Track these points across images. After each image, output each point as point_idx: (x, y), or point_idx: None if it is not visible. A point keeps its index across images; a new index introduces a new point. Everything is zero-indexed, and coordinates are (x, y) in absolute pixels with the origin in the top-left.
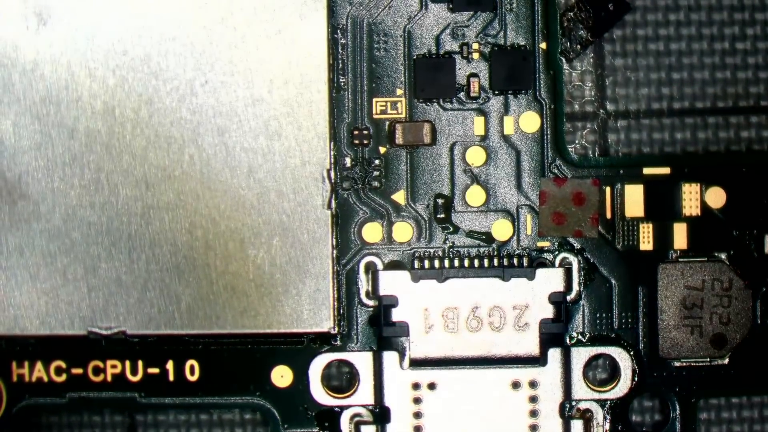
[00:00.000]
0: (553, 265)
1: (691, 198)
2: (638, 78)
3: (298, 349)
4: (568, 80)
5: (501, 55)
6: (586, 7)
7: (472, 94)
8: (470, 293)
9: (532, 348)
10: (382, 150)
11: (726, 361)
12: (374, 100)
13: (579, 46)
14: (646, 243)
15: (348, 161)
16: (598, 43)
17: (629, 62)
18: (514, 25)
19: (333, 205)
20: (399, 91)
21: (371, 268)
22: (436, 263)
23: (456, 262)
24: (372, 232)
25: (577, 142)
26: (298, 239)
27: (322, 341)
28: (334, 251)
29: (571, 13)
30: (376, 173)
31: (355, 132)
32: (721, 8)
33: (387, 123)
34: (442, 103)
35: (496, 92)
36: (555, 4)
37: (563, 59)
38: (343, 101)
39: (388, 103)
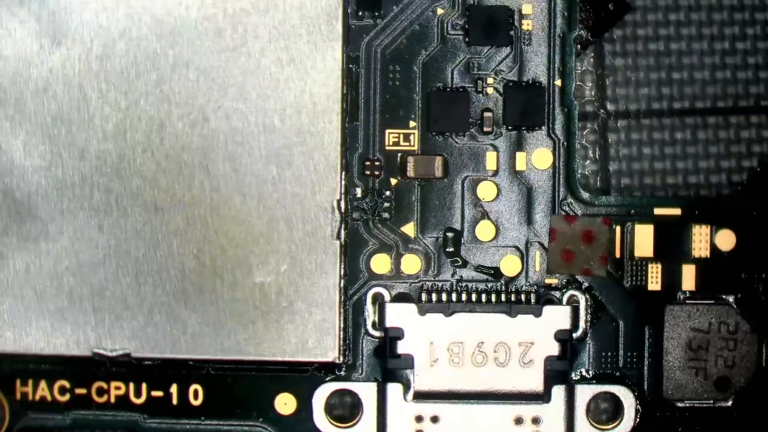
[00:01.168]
0: (560, 302)
1: (701, 240)
2: (638, 78)
3: (303, 377)
4: None
5: (515, 91)
6: (586, 7)
7: (485, 129)
8: (476, 328)
9: (536, 384)
10: (393, 182)
11: (729, 403)
12: (387, 131)
13: (579, 46)
14: (654, 283)
15: (359, 192)
16: (598, 43)
17: (629, 62)
18: (529, 61)
19: (342, 235)
20: (412, 123)
21: (378, 300)
22: (444, 297)
23: (463, 296)
24: (380, 263)
25: (577, 141)
26: (305, 268)
27: (326, 370)
28: (342, 281)
29: None
30: (386, 204)
31: (367, 163)
32: (721, 8)
33: (399, 155)
34: (454, 137)
35: (509, 128)
36: (571, 41)
37: (576, 97)
38: (356, 132)
39: (401, 135)
